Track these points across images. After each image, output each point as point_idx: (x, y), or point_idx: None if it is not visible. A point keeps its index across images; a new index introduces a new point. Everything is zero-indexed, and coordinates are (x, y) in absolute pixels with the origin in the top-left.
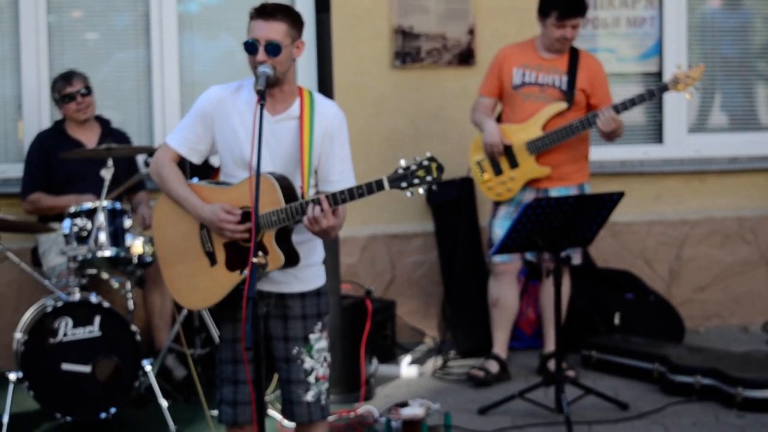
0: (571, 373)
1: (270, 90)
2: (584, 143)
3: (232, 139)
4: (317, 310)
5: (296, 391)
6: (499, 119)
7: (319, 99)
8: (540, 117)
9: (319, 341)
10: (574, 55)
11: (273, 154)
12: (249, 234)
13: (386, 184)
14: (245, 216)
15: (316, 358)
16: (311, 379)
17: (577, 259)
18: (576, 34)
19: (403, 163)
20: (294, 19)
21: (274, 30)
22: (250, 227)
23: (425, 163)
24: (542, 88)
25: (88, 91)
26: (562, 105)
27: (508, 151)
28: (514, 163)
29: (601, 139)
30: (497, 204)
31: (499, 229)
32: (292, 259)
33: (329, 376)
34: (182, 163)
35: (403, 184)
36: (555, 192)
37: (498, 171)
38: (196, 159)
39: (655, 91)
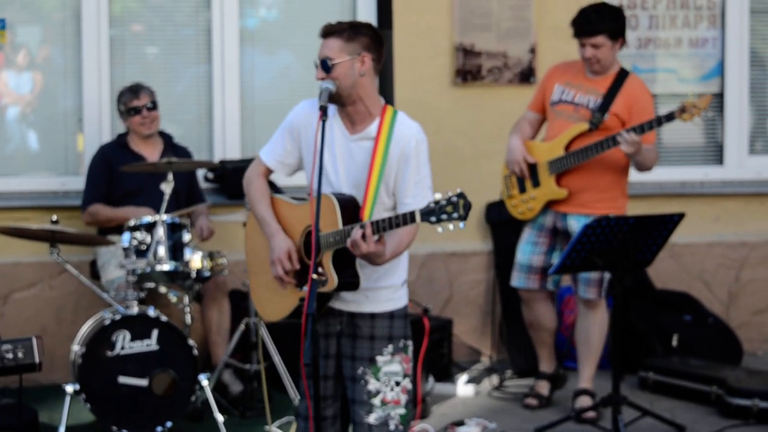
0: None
1: (344, 108)
2: (610, 173)
3: (313, 155)
4: (389, 333)
5: (358, 412)
6: None
7: (401, 119)
8: (564, 137)
9: (390, 365)
10: (620, 78)
11: (349, 173)
12: (294, 282)
13: (418, 216)
14: (308, 237)
15: (383, 380)
16: (376, 401)
17: (591, 293)
18: (598, 54)
19: (437, 196)
20: (351, 34)
21: (329, 47)
22: (296, 279)
23: (453, 199)
24: (576, 107)
25: (154, 105)
26: (584, 126)
27: (533, 169)
28: (536, 182)
29: (637, 170)
30: (524, 225)
31: (520, 253)
32: (349, 282)
33: (405, 402)
34: None
35: (432, 219)
36: (573, 219)
37: (522, 189)
38: (284, 173)
39: (662, 118)
